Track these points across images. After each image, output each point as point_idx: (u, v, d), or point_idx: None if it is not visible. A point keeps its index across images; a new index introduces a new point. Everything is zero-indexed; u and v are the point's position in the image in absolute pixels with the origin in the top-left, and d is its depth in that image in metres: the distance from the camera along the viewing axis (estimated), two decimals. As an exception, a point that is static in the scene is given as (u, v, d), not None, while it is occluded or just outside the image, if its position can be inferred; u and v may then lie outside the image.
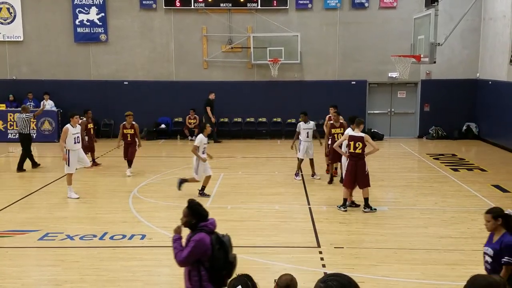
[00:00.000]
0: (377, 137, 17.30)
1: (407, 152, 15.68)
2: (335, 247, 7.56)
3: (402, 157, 15.01)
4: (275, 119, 18.26)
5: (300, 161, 11.79)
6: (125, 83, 18.28)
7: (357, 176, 9.06)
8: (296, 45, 17.39)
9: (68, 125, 10.30)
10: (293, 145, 12.09)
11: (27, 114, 13.13)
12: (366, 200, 9.16)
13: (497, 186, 11.06)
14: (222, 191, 10.87)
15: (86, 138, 12.98)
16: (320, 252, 7.22)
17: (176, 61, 18.30)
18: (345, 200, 9.27)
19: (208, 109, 17.08)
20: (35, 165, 13.29)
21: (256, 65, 18.02)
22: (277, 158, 14.73)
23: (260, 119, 18.29)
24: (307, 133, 11.66)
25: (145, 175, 12.22)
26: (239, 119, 18.28)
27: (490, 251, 4.40)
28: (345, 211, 9.17)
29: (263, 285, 3.34)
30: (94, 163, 13.12)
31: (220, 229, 8.44)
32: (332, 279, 2.09)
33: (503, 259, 4.27)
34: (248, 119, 18.30)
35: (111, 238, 7.90)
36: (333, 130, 11.27)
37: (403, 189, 11.01)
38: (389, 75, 17.78)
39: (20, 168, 12.95)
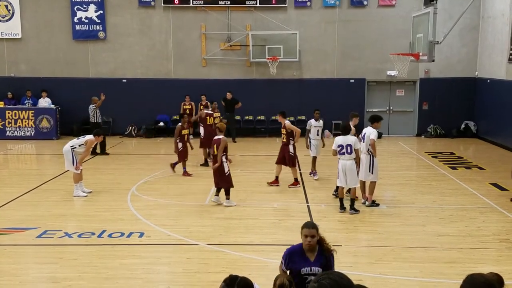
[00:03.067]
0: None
1: (406, 150, 15.69)
2: (333, 245, 7.52)
3: (401, 155, 15.02)
4: (274, 117, 18.20)
5: (314, 159, 11.71)
6: (123, 80, 18.26)
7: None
8: (295, 43, 17.39)
9: (93, 138, 10.26)
10: (307, 143, 11.86)
11: (92, 105, 14.74)
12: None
13: (495, 184, 11.08)
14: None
15: (180, 144, 11.95)
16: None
17: (174, 59, 18.28)
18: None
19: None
20: (93, 152, 14.04)
21: (255, 63, 18.00)
22: (275, 156, 14.64)
23: (259, 117, 18.29)
24: (317, 131, 11.66)
25: (144, 173, 12.21)
26: (238, 117, 18.27)
27: (318, 269, 4.05)
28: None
29: (261, 282, 3.34)
30: (186, 173, 11.97)
31: (219, 227, 8.49)
32: (324, 277, 2.11)
33: None
34: (246, 117, 18.29)
35: (110, 236, 7.89)
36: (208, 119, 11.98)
37: (402, 187, 11.02)
38: (388, 73, 17.80)
39: (103, 152, 14.51)
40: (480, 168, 12.91)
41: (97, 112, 14.79)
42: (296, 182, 10.92)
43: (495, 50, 16.17)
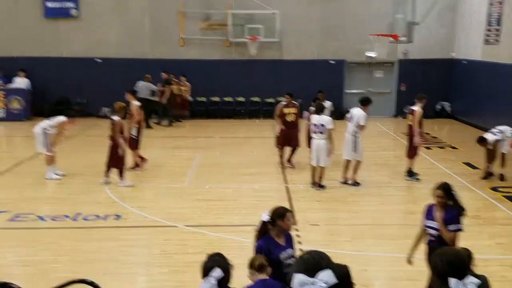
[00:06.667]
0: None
1: (383, 131, 15.83)
2: (311, 225, 7.62)
3: (378, 136, 15.15)
4: (253, 99, 18.13)
5: None
6: (98, 60, 17.81)
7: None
8: (275, 24, 17.20)
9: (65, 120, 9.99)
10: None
11: (152, 85, 15.97)
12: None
13: (468, 164, 11.31)
14: (200, 171, 10.79)
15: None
16: (297, 230, 7.24)
17: (151, 38, 17.89)
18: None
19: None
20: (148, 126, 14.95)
21: (234, 43, 17.76)
22: (255, 138, 14.69)
23: (238, 99, 18.15)
24: None
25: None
26: (217, 99, 18.09)
27: (291, 250, 4.15)
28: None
29: (240, 262, 3.32)
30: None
31: (197, 209, 8.44)
32: (304, 254, 2.13)
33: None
34: (226, 99, 18.12)
35: (85, 219, 7.76)
36: (285, 110, 10.68)
37: (379, 168, 11.13)
38: (367, 55, 17.78)
39: (147, 125, 14.93)
40: (454, 148, 13.15)
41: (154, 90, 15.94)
42: (136, 166, 10.51)
43: (472, 31, 16.30)
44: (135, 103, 10.59)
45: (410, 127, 9.98)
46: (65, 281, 3.93)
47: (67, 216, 7.81)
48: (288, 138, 10.64)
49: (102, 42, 17.77)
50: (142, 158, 10.65)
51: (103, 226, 7.50)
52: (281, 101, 17.44)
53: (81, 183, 9.78)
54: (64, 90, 17.55)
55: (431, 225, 4.68)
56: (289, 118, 10.60)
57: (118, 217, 7.84)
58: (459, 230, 4.59)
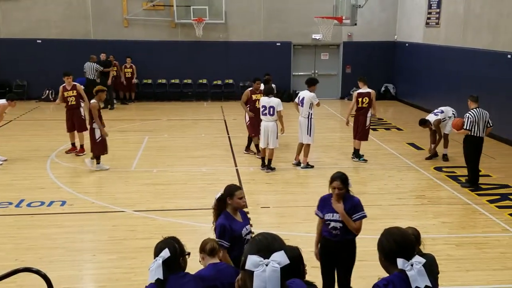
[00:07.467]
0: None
1: (330, 113, 16.17)
2: (261, 207, 7.73)
3: (325, 118, 15.45)
4: (200, 81, 17.94)
5: None
6: (38, 41, 16.91)
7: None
8: (221, 4, 16.99)
9: (6, 103, 9.55)
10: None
11: (97, 65, 15.52)
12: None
13: (412, 144, 11.82)
14: (147, 154, 10.62)
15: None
16: (247, 213, 7.33)
17: (93, 18, 17.17)
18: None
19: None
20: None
21: (180, 25, 17.42)
22: (203, 120, 14.60)
23: (186, 81, 17.89)
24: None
25: (64, 139, 11.53)
26: (164, 81, 17.75)
27: (249, 225, 4.27)
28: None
29: (191, 246, 3.34)
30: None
31: (146, 193, 8.33)
32: (257, 235, 2.16)
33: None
34: (173, 81, 17.81)
35: (29, 205, 7.49)
36: (254, 96, 10.22)
37: (326, 149, 11.40)
38: (313, 37, 17.99)
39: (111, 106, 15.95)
40: (398, 129, 13.67)
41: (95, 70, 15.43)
42: (82, 149, 10.39)
43: (414, 14, 16.86)
44: (78, 84, 10.39)
45: (362, 109, 10.13)
46: (10, 270, 3.80)
47: (10, 203, 7.51)
48: (258, 125, 9.95)
49: (41, 21, 16.88)
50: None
51: (48, 212, 7.26)
52: (230, 83, 17.71)
53: (23, 168, 9.39)
54: (4, 72, 16.63)
55: (334, 218, 4.46)
56: (258, 104, 9.94)
57: (63, 203, 7.60)
58: (363, 217, 4.48)
